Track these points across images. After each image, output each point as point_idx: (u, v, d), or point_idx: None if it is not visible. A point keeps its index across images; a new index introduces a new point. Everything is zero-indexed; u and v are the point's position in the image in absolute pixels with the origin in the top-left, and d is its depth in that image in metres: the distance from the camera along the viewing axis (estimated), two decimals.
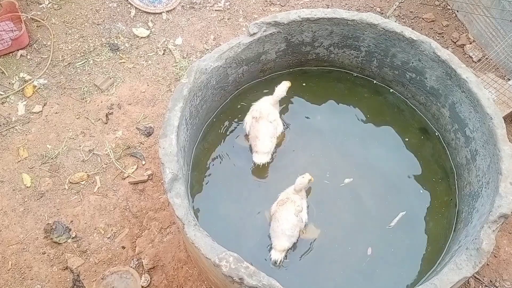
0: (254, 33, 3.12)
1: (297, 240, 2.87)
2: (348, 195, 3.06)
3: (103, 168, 3.59)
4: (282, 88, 3.22)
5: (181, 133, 2.80)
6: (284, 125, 3.26)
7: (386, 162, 3.18)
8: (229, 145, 3.24)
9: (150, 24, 4.39)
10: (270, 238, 2.86)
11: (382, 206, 3.02)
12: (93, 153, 3.65)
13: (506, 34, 3.98)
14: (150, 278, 3.14)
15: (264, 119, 3.11)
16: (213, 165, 3.17)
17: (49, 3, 4.49)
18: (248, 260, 2.29)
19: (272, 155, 3.15)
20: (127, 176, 3.54)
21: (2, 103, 3.89)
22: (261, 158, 3.10)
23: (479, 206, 2.72)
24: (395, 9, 4.58)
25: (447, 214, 3.02)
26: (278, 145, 3.21)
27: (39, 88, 3.97)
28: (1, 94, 3.93)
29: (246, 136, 3.22)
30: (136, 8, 4.49)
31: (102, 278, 3.09)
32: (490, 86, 3.76)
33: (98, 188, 3.50)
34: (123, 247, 3.27)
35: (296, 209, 2.82)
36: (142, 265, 3.18)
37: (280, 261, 2.80)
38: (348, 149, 3.24)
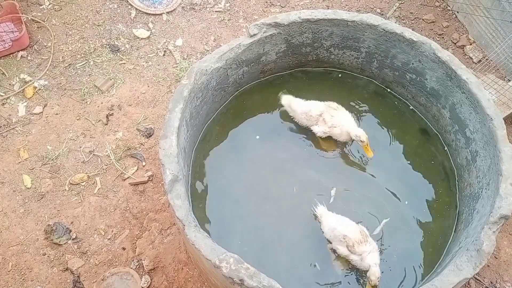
0: (254, 34, 3.12)
1: (328, 243, 2.86)
2: (347, 197, 3.06)
3: (103, 169, 3.59)
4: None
5: (182, 134, 2.80)
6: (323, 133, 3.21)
7: (386, 163, 3.18)
8: (229, 146, 3.24)
9: (151, 25, 4.40)
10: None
11: (381, 207, 3.02)
12: (94, 154, 3.65)
13: (506, 35, 3.98)
14: (151, 279, 3.14)
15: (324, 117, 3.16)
16: (213, 166, 3.17)
17: (49, 4, 4.49)
18: (249, 261, 2.29)
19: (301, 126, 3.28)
20: (128, 177, 3.54)
21: (3, 104, 3.90)
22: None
23: (479, 207, 2.72)
24: (395, 10, 4.58)
25: (447, 215, 3.02)
26: (324, 148, 3.26)
27: (40, 89, 3.97)
28: (2, 95, 3.93)
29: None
30: (136, 9, 4.49)
31: (102, 279, 3.09)
32: (491, 87, 3.76)
33: (98, 189, 3.50)
34: (124, 248, 3.27)
35: (355, 250, 2.71)
36: (143, 266, 3.18)
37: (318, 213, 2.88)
38: (346, 151, 3.24)
